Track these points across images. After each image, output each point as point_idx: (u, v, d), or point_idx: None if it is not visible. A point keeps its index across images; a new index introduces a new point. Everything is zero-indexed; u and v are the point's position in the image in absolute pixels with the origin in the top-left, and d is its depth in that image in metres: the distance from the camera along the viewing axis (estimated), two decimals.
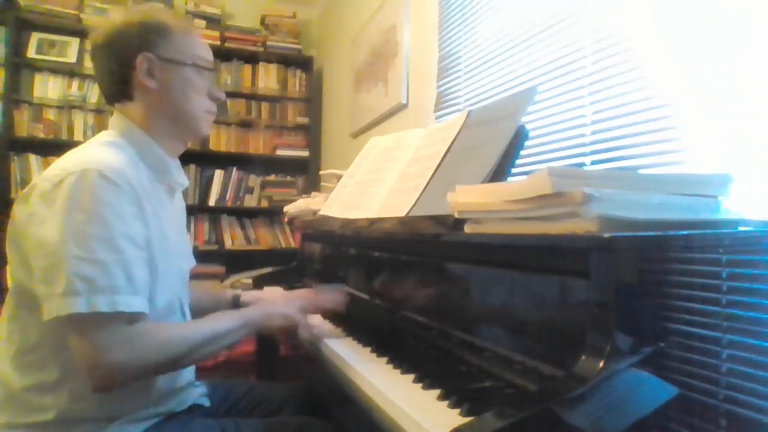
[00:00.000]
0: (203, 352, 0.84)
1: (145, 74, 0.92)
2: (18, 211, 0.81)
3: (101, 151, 0.86)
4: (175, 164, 1.00)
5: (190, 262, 1.08)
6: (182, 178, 1.03)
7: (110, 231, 0.76)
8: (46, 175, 0.79)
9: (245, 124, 3.29)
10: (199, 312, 1.08)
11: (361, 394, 0.73)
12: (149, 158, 0.93)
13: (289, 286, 1.61)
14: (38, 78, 2.91)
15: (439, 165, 1.05)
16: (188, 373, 0.99)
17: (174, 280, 0.93)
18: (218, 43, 3.18)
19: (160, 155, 0.95)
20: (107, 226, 0.76)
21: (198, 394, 1.02)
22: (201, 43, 0.99)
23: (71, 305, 0.71)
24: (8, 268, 0.85)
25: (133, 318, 0.76)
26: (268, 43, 3.32)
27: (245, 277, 3.06)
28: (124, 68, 0.92)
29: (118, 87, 0.94)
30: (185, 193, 3.25)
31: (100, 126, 2.92)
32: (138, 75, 0.91)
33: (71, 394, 0.80)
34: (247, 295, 1.24)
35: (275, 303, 1.05)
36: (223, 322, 0.89)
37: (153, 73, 0.92)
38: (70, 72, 2.95)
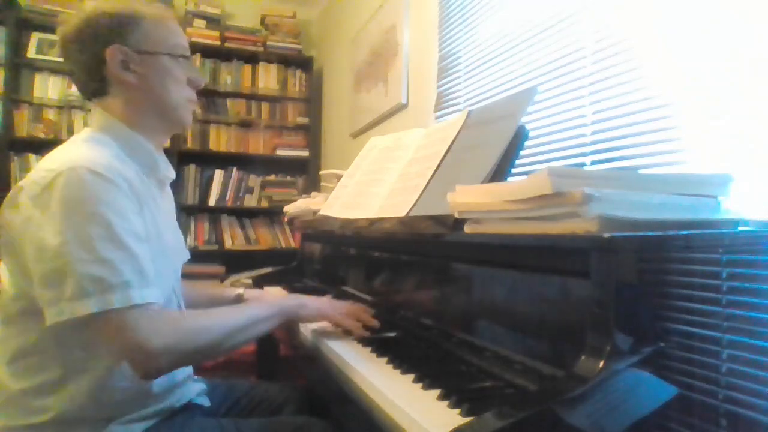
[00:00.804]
0: (240, 338, 0.84)
1: (119, 67, 0.89)
2: (8, 216, 0.79)
3: (86, 147, 0.83)
4: (162, 157, 0.98)
5: (183, 256, 1.08)
6: (170, 171, 1.01)
7: (111, 228, 0.75)
8: (33, 178, 0.77)
9: (245, 124, 3.29)
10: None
11: (361, 394, 0.73)
12: (137, 153, 0.91)
13: (289, 286, 1.61)
14: (38, 78, 2.91)
15: (439, 165, 1.05)
16: (186, 367, 0.99)
17: (170, 277, 0.93)
18: (218, 43, 3.19)
19: (149, 149, 0.93)
20: (107, 224, 0.74)
21: (196, 389, 1.02)
22: (175, 30, 0.96)
23: (83, 307, 0.71)
24: (0, 275, 0.83)
25: (151, 307, 0.76)
26: (268, 43, 3.32)
27: (245, 277, 3.06)
28: (96, 62, 0.89)
29: (94, 82, 0.91)
30: (185, 193, 3.26)
31: None
32: (112, 68, 0.89)
33: (70, 395, 0.80)
34: (249, 293, 1.23)
35: (312, 298, 1.03)
36: (259, 309, 0.90)
37: (128, 65, 0.89)
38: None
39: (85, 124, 2.91)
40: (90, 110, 2.91)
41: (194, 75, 0.98)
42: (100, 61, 0.89)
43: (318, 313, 0.99)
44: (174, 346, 0.75)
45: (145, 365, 0.74)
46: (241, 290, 1.24)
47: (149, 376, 0.76)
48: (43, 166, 0.78)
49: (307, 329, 1.04)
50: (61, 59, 0.97)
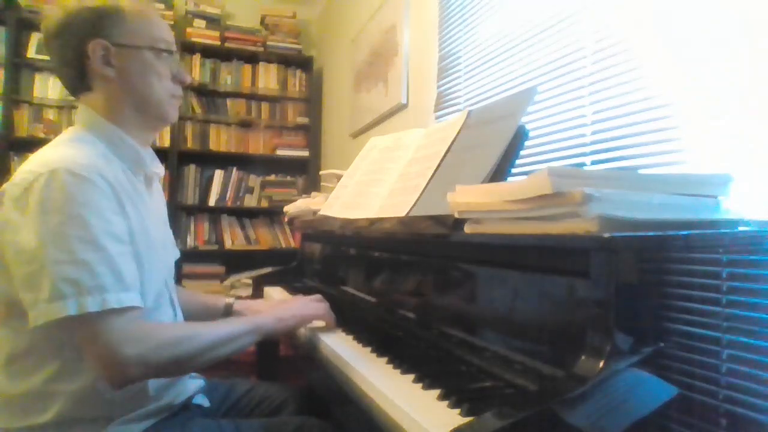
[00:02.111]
0: (215, 354, 0.83)
1: (100, 62, 0.88)
2: None
3: (68, 148, 0.83)
4: (149, 153, 0.98)
5: (174, 254, 1.07)
6: (158, 167, 1.00)
7: (89, 229, 0.74)
8: (15, 180, 0.77)
9: (245, 124, 3.30)
10: (188, 318, 1.07)
11: (361, 394, 0.73)
12: (121, 150, 0.91)
13: (290, 286, 1.61)
14: (38, 78, 2.92)
15: (439, 165, 1.05)
16: None
17: (161, 273, 0.93)
18: (218, 43, 3.19)
19: (132, 146, 0.92)
20: (85, 225, 0.74)
21: (195, 387, 1.02)
22: (159, 24, 0.94)
23: (59, 309, 0.70)
24: None
25: (131, 312, 0.75)
26: (268, 43, 3.32)
27: (245, 277, 3.06)
28: (78, 57, 0.88)
29: (76, 78, 0.91)
30: (185, 193, 3.26)
31: None
32: (93, 63, 0.88)
33: (66, 395, 0.79)
34: (239, 305, 1.20)
35: (285, 305, 1.03)
36: (234, 325, 0.88)
37: (109, 60, 0.89)
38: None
39: None
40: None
41: (179, 70, 0.97)
42: (81, 56, 0.88)
43: (297, 321, 0.99)
44: (146, 356, 0.74)
45: (115, 373, 0.73)
46: (231, 300, 1.21)
47: (118, 384, 0.75)
48: (25, 168, 0.78)
49: (306, 328, 1.05)
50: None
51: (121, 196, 0.82)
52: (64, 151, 0.81)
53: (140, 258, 0.83)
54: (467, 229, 0.76)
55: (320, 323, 1.05)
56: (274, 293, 1.55)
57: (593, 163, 1.09)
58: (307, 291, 1.46)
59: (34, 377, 0.79)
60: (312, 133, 3.41)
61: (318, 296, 1.10)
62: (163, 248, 0.98)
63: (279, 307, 1.03)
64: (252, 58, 3.32)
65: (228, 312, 1.19)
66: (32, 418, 0.79)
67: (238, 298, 1.24)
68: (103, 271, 0.73)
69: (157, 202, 1.03)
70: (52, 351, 0.79)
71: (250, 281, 2.55)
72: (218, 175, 3.21)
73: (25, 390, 0.79)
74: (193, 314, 1.13)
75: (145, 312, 0.80)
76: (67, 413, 0.79)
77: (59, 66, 0.92)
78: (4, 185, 0.79)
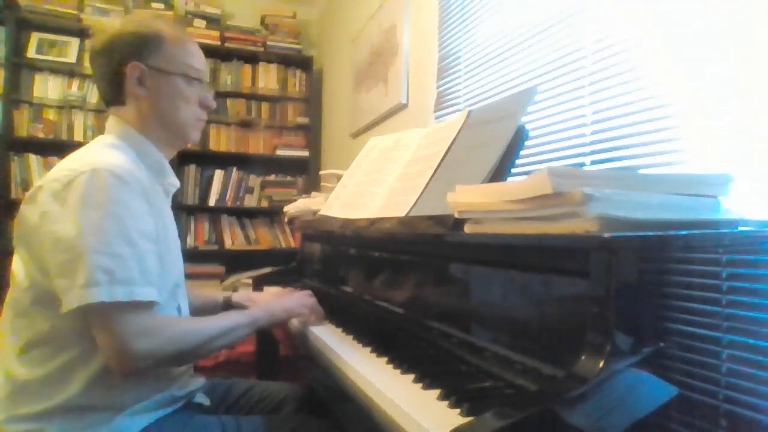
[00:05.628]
0: (215, 345, 0.90)
1: (135, 82, 0.96)
2: (26, 213, 0.84)
3: (107, 152, 0.89)
4: (168, 167, 1.05)
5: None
6: (176, 180, 1.08)
7: (124, 226, 0.80)
8: (54, 176, 0.82)
9: (245, 124, 3.30)
10: (191, 313, 1.09)
11: (361, 393, 0.73)
12: (148, 159, 0.98)
13: (290, 286, 1.61)
14: (38, 78, 2.91)
15: (439, 165, 1.05)
16: None
17: (176, 273, 0.98)
18: (218, 43, 3.19)
19: (158, 157, 1.00)
20: (121, 222, 0.80)
21: (196, 383, 1.04)
22: (194, 53, 1.02)
23: (93, 295, 0.75)
24: (13, 269, 0.86)
25: (149, 307, 0.80)
26: (268, 43, 3.32)
27: (245, 277, 3.06)
28: (117, 75, 0.96)
29: (113, 92, 0.98)
30: (185, 193, 3.26)
31: (100, 126, 2.92)
32: (129, 83, 0.95)
33: (80, 382, 0.82)
34: (237, 296, 1.26)
35: (277, 300, 1.09)
36: (231, 318, 0.95)
37: (143, 81, 0.96)
38: (70, 72, 2.95)
39: (85, 125, 2.95)
40: (89, 112, 2.93)
41: (206, 97, 1.05)
42: (120, 75, 0.96)
43: (287, 315, 1.06)
44: (153, 350, 0.80)
45: (124, 363, 0.79)
46: (228, 294, 1.27)
47: (125, 373, 0.80)
48: (65, 166, 0.84)
49: (307, 328, 1.05)
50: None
51: (150, 198, 0.88)
52: (103, 154, 0.88)
53: (161, 257, 0.88)
54: (467, 229, 0.76)
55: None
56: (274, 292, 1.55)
57: (593, 163, 1.09)
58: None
59: (47, 365, 0.82)
60: (312, 133, 3.41)
61: (308, 292, 1.16)
62: (177, 253, 1.03)
63: (272, 301, 1.10)
64: (252, 58, 3.32)
65: (228, 305, 1.24)
66: (41, 405, 0.81)
67: (235, 290, 1.28)
68: (133, 265, 0.79)
69: (171, 212, 1.08)
70: (72, 338, 0.82)
71: (250, 281, 2.55)
72: (218, 175, 3.21)
73: (37, 377, 0.82)
74: (193, 310, 1.15)
75: (158, 308, 0.84)
76: (75, 400, 0.81)
77: (99, 79, 0.99)
78: (40, 181, 0.84)
